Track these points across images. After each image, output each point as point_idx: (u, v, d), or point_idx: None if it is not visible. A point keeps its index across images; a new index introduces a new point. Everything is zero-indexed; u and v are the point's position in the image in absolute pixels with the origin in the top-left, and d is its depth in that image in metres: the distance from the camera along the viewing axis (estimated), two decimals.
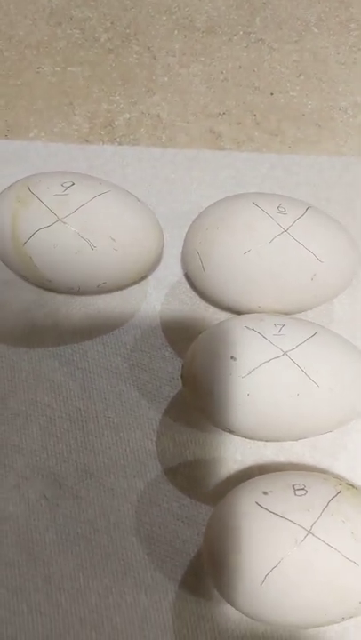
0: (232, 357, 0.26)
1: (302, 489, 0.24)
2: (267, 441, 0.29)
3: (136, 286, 0.33)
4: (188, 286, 0.33)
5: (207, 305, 0.32)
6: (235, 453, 0.29)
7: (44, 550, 0.28)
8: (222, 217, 0.29)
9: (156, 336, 0.32)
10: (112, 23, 0.42)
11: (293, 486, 0.24)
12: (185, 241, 0.30)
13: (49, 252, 0.28)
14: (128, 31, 0.42)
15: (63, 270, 0.29)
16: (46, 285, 0.30)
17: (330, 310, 0.33)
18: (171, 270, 0.34)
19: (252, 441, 0.29)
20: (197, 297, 0.33)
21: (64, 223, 0.28)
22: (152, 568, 0.27)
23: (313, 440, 0.29)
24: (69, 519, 0.28)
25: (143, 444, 0.30)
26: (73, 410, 0.30)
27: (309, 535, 0.22)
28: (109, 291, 0.32)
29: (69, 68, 0.40)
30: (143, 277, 0.33)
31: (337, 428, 0.27)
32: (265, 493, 0.24)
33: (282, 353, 0.26)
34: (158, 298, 0.33)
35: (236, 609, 0.24)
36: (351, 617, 0.23)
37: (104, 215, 0.29)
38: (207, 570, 0.24)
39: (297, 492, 0.24)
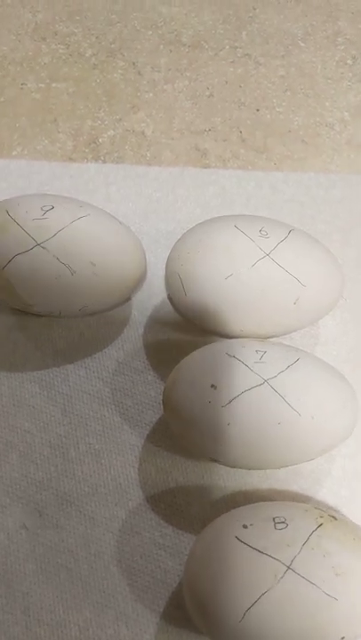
0: (212, 386, 0.25)
1: (283, 522, 0.23)
2: (249, 469, 0.28)
3: (119, 308, 0.33)
4: (171, 308, 0.32)
5: (190, 327, 0.32)
6: (218, 480, 0.29)
7: (23, 581, 0.27)
8: (203, 240, 0.28)
9: (139, 359, 0.31)
10: (97, 38, 0.42)
11: (274, 519, 0.23)
12: (167, 264, 0.30)
13: (28, 277, 0.28)
14: (113, 46, 0.41)
15: (43, 295, 0.29)
16: (27, 309, 0.30)
17: (315, 332, 0.32)
18: (155, 291, 0.33)
19: (238, 469, 0.29)
20: (181, 319, 0.32)
21: (43, 248, 0.28)
22: (133, 599, 0.27)
23: (297, 466, 0.29)
24: (49, 549, 0.28)
25: (125, 470, 0.29)
26: (53, 436, 0.30)
27: (289, 571, 0.22)
28: (92, 314, 0.32)
29: (54, 84, 0.40)
30: (126, 299, 0.33)
31: (320, 455, 0.27)
32: (245, 527, 0.23)
33: (263, 381, 0.25)
34: (142, 320, 0.33)
35: None
36: None
37: (84, 239, 0.28)
38: (188, 604, 0.24)
39: (277, 526, 0.23)
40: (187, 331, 0.32)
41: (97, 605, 0.27)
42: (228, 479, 0.29)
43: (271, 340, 0.30)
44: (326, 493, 0.29)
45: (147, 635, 0.26)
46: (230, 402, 0.25)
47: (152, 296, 0.33)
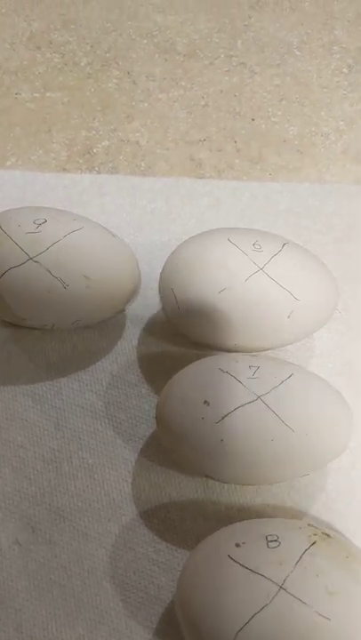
0: (205, 402, 0.25)
1: (275, 540, 0.23)
2: (243, 485, 0.28)
3: (114, 320, 0.32)
4: (166, 320, 0.32)
5: (185, 340, 0.32)
6: (212, 495, 0.29)
7: (15, 597, 0.27)
8: (197, 254, 0.28)
9: (133, 372, 0.31)
10: (92, 47, 0.42)
11: (267, 537, 0.23)
12: (160, 278, 0.29)
13: (21, 290, 0.28)
14: (108, 55, 0.41)
15: (36, 309, 0.29)
16: (20, 323, 0.30)
17: (310, 345, 0.32)
18: (149, 303, 0.33)
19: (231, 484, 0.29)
20: (175, 331, 0.32)
21: (36, 262, 0.28)
22: (126, 616, 0.27)
23: (292, 481, 0.29)
24: (42, 565, 0.27)
25: (118, 485, 0.29)
26: (46, 450, 0.29)
27: (281, 591, 0.22)
28: (85, 327, 0.32)
29: (48, 94, 0.40)
30: (120, 311, 0.33)
31: (314, 471, 0.27)
32: (237, 545, 0.23)
33: (256, 397, 0.25)
34: (135, 332, 0.32)
35: None
36: None
37: (77, 253, 0.28)
38: (180, 623, 0.24)
39: (270, 544, 0.23)
40: (181, 343, 0.32)
41: (90, 622, 0.27)
42: (222, 494, 0.29)
43: (265, 353, 0.29)
44: (320, 508, 0.29)
45: None
46: (223, 418, 0.25)
47: (146, 308, 0.33)
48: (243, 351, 0.29)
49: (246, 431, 0.25)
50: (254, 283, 0.27)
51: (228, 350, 0.29)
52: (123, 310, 0.33)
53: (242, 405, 0.25)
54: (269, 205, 0.36)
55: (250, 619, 0.22)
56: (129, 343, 0.32)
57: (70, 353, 0.32)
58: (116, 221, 0.35)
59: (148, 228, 0.35)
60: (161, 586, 0.27)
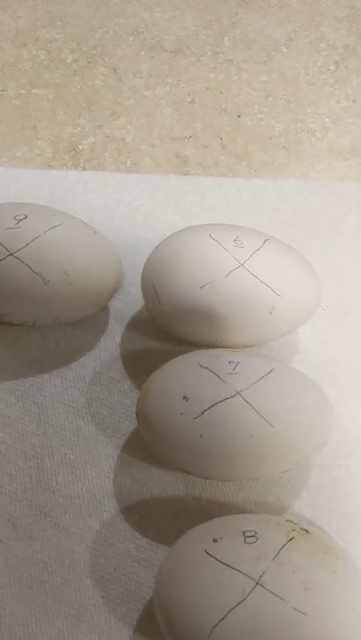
0: (184, 397, 0.25)
1: (253, 536, 0.23)
2: (223, 480, 0.28)
3: (96, 316, 0.32)
4: (149, 317, 0.32)
5: (168, 336, 0.32)
6: (193, 491, 0.29)
7: None
8: (178, 250, 0.28)
9: (116, 369, 0.31)
10: (78, 44, 0.41)
11: (244, 533, 0.23)
12: (142, 274, 0.29)
13: (1, 286, 0.28)
14: (94, 52, 0.41)
15: (16, 305, 0.29)
16: (1, 319, 0.30)
17: (294, 341, 0.32)
18: (132, 300, 0.33)
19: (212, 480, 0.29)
20: (159, 328, 0.32)
21: (16, 258, 0.28)
22: (106, 612, 0.27)
23: (273, 477, 0.29)
24: (23, 561, 0.27)
25: (100, 481, 0.29)
26: (28, 446, 0.29)
27: (258, 586, 0.22)
28: (67, 323, 0.31)
29: (34, 91, 0.40)
30: (103, 308, 0.32)
31: (295, 467, 0.27)
32: (215, 541, 0.23)
33: (235, 393, 0.25)
34: (118, 329, 0.32)
35: None
36: None
37: (57, 249, 0.28)
38: (158, 619, 0.24)
39: (247, 540, 0.23)
40: (164, 340, 0.32)
41: (70, 617, 0.27)
42: (204, 490, 0.29)
43: (247, 349, 0.29)
44: (302, 504, 0.29)
45: None
46: (202, 414, 0.25)
47: (130, 305, 0.33)
48: (225, 347, 0.29)
49: (225, 426, 0.25)
50: (235, 278, 0.27)
51: (211, 346, 0.29)
52: (105, 307, 0.33)
53: (221, 401, 0.25)
54: (255, 202, 0.36)
55: (226, 614, 0.22)
56: (112, 340, 0.32)
57: (52, 349, 0.31)
58: (101, 218, 0.35)
59: (132, 224, 0.35)
60: (141, 582, 0.27)
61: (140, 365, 0.31)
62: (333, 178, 0.37)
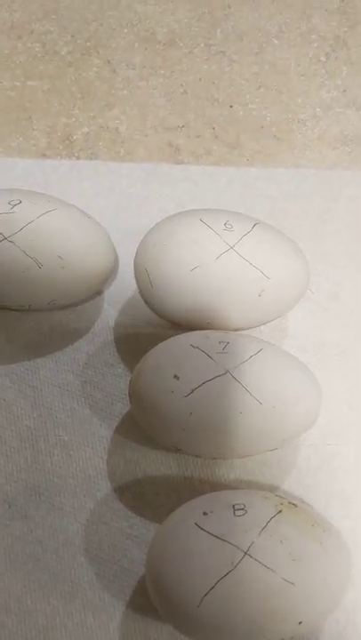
0: (175, 376, 0.26)
1: (242, 509, 0.24)
2: (214, 459, 0.29)
3: (91, 301, 0.33)
4: (142, 301, 0.33)
5: (161, 320, 0.32)
6: (185, 471, 0.29)
7: None
8: (169, 234, 0.29)
9: (110, 352, 0.32)
10: (72, 36, 0.42)
11: (234, 506, 0.24)
12: (135, 258, 0.30)
13: None
14: (88, 44, 0.42)
15: (11, 289, 0.29)
16: None
17: (284, 324, 0.33)
18: (126, 285, 0.34)
19: (203, 458, 0.29)
20: (152, 312, 0.33)
21: (10, 242, 0.28)
22: (100, 588, 0.27)
23: (264, 457, 0.29)
24: (18, 539, 0.28)
25: (93, 462, 0.29)
26: (23, 428, 0.30)
27: (246, 557, 0.22)
28: (62, 307, 0.32)
29: (29, 82, 0.40)
30: (98, 293, 0.33)
31: (284, 445, 0.27)
32: (205, 514, 0.24)
33: (225, 371, 0.26)
34: (113, 314, 0.33)
35: (176, 630, 0.24)
36: (290, 637, 0.23)
37: (51, 233, 0.29)
38: (150, 591, 0.24)
39: (236, 512, 0.23)
40: (157, 324, 0.32)
41: (64, 594, 0.27)
42: (196, 470, 0.29)
43: (238, 332, 0.30)
44: (292, 483, 0.29)
45: (113, 623, 0.27)
46: (192, 392, 0.25)
47: (123, 290, 0.33)
48: (217, 329, 0.29)
49: (215, 404, 0.25)
50: (225, 261, 0.28)
51: (202, 329, 0.29)
52: (100, 292, 0.33)
53: (211, 379, 0.25)
54: (246, 190, 0.37)
55: (215, 584, 0.22)
56: (106, 324, 0.33)
57: (48, 334, 0.32)
58: (95, 206, 0.36)
59: (126, 212, 0.36)
60: (134, 559, 0.28)
61: (133, 349, 0.32)
62: (323, 166, 0.38)
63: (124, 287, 0.34)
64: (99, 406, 0.31)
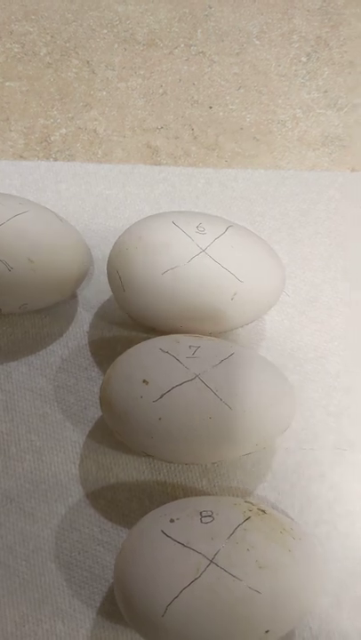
0: (144, 381, 0.25)
1: (209, 516, 0.23)
2: (185, 464, 0.28)
3: (65, 305, 0.33)
4: (116, 305, 0.33)
5: (135, 324, 0.32)
6: (158, 476, 0.29)
7: None
8: (141, 236, 0.28)
9: (84, 356, 0.32)
10: (52, 37, 0.42)
11: (201, 513, 0.23)
12: (107, 261, 0.30)
13: None
14: (68, 45, 0.41)
15: None
16: None
17: (260, 328, 0.33)
18: (101, 288, 0.33)
19: (176, 464, 0.29)
20: (126, 316, 0.32)
21: None
22: (70, 595, 0.27)
23: (238, 461, 0.29)
24: None
25: (66, 467, 0.29)
26: None
27: (212, 565, 0.22)
28: (34, 311, 0.32)
29: (7, 83, 0.40)
30: (72, 296, 0.33)
31: (256, 450, 0.27)
32: (172, 521, 0.23)
33: (194, 376, 0.25)
34: (87, 317, 0.33)
35: (142, 638, 0.23)
36: None
37: (21, 236, 0.28)
38: (117, 599, 0.24)
39: (203, 520, 0.23)
40: (132, 328, 0.32)
41: (34, 601, 0.27)
42: (169, 475, 0.29)
43: (212, 336, 0.30)
44: (267, 488, 0.29)
45: (83, 630, 0.26)
46: (161, 397, 0.25)
47: (98, 293, 0.33)
48: (190, 334, 0.29)
49: (184, 409, 0.25)
50: (197, 264, 0.28)
51: (176, 333, 0.29)
52: (74, 295, 0.33)
53: (180, 384, 0.25)
54: (224, 192, 0.36)
55: (180, 592, 0.22)
56: (80, 328, 0.32)
57: (21, 337, 0.32)
58: (72, 208, 0.35)
59: (103, 214, 0.35)
60: (105, 565, 0.27)
61: (107, 353, 0.32)
62: (303, 168, 0.38)
63: (98, 291, 0.33)
64: (72, 411, 0.30)
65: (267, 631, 0.22)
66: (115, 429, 0.27)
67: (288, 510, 0.28)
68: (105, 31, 0.42)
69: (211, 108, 0.39)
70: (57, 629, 0.26)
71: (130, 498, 0.29)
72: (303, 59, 0.41)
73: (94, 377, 0.31)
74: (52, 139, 0.38)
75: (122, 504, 0.28)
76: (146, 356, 0.26)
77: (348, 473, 0.29)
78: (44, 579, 0.27)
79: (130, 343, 0.32)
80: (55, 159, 0.37)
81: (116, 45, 0.42)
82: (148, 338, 0.31)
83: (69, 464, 0.29)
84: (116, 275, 0.29)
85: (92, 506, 0.28)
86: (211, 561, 0.22)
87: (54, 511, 0.28)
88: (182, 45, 0.42)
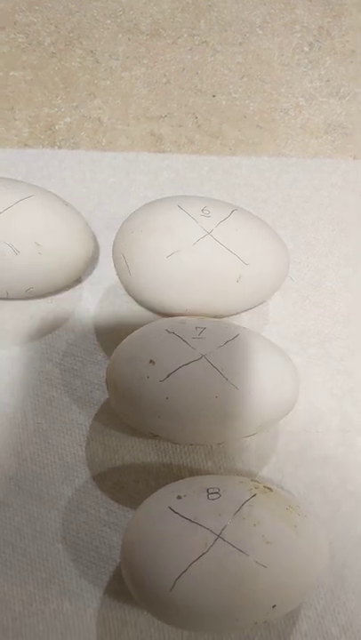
0: (151, 361, 0.26)
1: (216, 492, 0.23)
2: (191, 444, 0.29)
3: (70, 290, 0.33)
4: (122, 289, 0.33)
5: (141, 308, 0.32)
6: (164, 458, 0.29)
7: None
8: (146, 220, 0.29)
9: (89, 340, 0.32)
10: (56, 27, 0.42)
11: (208, 490, 0.24)
12: (113, 245, 0.30)
13: None
14: (72, 35, 0.42)
15: None
16: None
17: (264, 312, 0.33)
18: (106, 273, 0.34)
19: (181, 445, 0.29)
20: (131, 300, 0.33)
21: None
22: (77, 575, 0.27)
23: (243, 443, 0.29)
24: None
25: (72, 449, 0.29)
26: (2, 417, 0.30)
27: (219, 540, 0.22)
28: (41, 295, 0.32)
29: (12, 73, 0.40)
30: (77, 281, 0.33)
31: (260, 431, 0.27)
32: (179, 498, 0.24)
33: (200, 356, 0.25)
34: (93, 301, 0.33)
35: (150, 614, 0.23)
36: (264, 621, 0.23)
37: (28, 220, 0.29)
38: (124, 576, 0.24)
39: (210, 496, 0.23)
40: (137, 312, 0.32)
41: (41, 581, 0.27)
42: (174, 457, 0.29)
43: (217, 318, 0.30)
44: (271, 470, 0.29)
45: (90, 609, 0.27)
46: (168, 376, 0.25)
47: (104, 278, 0.33)
48: (195, 316, 0.29)
49: (190, 389, 0.25)
50: (202, 247, 0.28)
51: (180, 316, 0.29)
52: (79, 280, 0.33)
53: (186, 364, 0.25)
54: (228, 179, 0.37)
55: (187, 567, 0.22)
56: (86, 312, 0.32)
57: (27, 322, 0.32)
58: (77, 195, 0.36)
59: (107, 201, 0.36)
60: (112, 545, 0.28)
61: (113, 337, 0.32)
62: (306, 155, 0.38)
63: (104, 276, 0.33)
64: (78, 394, 0.30)
65: (274, 606, 0.23)
66: (121, 411, 0.27)
67: (293, 491, 0.29)
68: (109, 21, 0.42)
69: (214, 96, 0.40)
70: (64, 608, 0.27)
71: (136, 479, 0.29)
72: (306, 48, 0.42)
73: (100, 360, 0.31)
74: (56, 127, 0.38)
75: (128, 486, 0.29)
76: (152, 337, 0.26)
77: (351, 454, 0.29)
78: (51, 559, 0.27)
79: (135, 327, 0.32)
80: (60, 147, 0.38)
81: (119, 35, 0.42)
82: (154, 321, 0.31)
83: (76, 446, 0.29)
84: (122, 258, 0.29)
85: (99, 487, 0.29)
86: (218, 536, 0.22)
87: (61, 493, 0.28)
88: (186, 35, 0.42)
